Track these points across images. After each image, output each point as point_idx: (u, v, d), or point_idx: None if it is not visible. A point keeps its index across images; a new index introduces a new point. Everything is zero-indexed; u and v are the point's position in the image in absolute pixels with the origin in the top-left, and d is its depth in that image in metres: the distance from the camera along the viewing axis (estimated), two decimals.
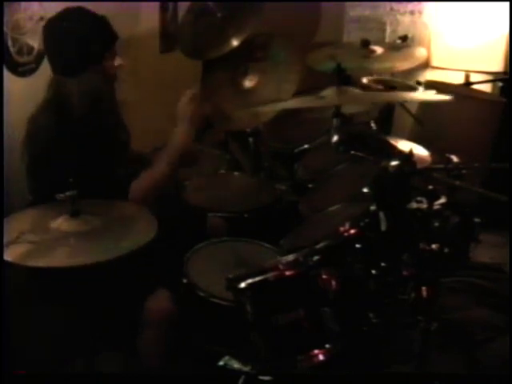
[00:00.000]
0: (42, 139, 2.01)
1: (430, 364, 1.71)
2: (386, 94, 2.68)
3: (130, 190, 2.03)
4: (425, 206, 1.69)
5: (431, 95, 2.10)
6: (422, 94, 2.39)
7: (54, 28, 2.06)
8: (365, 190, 1.79)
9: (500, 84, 3.59)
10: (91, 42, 2.03)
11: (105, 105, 2.10)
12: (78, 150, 1.98)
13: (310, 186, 2.48)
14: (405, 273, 1.71)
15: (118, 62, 2.11)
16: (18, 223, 1.76)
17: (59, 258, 1.64)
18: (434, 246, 1.66)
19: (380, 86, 3.07)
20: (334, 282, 1.69)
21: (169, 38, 3.15)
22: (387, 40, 3.84)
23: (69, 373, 2.05)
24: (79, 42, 2.02)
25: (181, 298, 2.01)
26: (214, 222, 2.39)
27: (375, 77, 3.19)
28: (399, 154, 1.79)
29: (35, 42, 2.36)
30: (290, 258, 1.72)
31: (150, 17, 3.04)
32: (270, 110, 2.54)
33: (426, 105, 3.04)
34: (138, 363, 2.03)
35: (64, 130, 2.00)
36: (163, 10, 3.11)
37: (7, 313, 2.00)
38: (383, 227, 1.72)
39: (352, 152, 2.01)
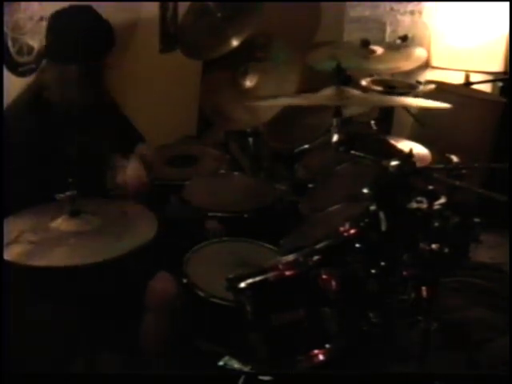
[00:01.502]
0: (23, 126, 2.05)
1: (430, 364, 1.71)
2: (386, 98, 2.68)
3: None
4: (425, 205, 1.69)
5: (430, 102, 2.10)
6: (421, 101, 2.39)
7: (62, 17, 2.11)
8: (365, 190, 1.79)
9: (500, 84, 3.59)
10: (97, 39, 2.09)
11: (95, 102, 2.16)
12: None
13: (310, 185, 2.48)
14: (405, 273, 1.70)
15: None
16: (18, 223, 1.76)
17: (59, 258, 1.64)
18: (434, 246, 1.66)
19: (379, 87, 3.07)
20: (333, 282, 1.69)
21: (169, 37, 3.15)
22: (387, 40, 3.84)
23: (69, 373, 2.05)
24: (87, 36, 2.07)
25: (180, 298, 2.02)
26: (212, 225, 2.39)
27: (375, 77, 3.19)
28: (399, 154, 1.79)
29: (35, 42, 2.36)
30: (290, 258, 1.72)
31: (149, 17, 3.04)
32: (268, 105, 2.54)
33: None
34: (138, 363, 2.04)
35: (47, 120, 2.05)
36: (163, 9, 3.11)
37: (7, 313, 2.00)
38: (383, 227, 1.72)
39: (352, 152, 2.01)
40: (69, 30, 2.08)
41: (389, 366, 1.86)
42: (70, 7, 2.12)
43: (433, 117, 2.86)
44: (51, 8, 2.37)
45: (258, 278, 1.69)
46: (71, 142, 2.10)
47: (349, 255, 1.75)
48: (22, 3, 2.28)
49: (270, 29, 3.03)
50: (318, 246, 1.73)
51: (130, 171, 2.21)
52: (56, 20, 2.12)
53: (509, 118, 3.09)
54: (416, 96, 2.99)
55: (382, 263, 1.73)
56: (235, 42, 2.82)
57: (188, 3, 3.10)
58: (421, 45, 3.53)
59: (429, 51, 3.60)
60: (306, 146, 2.78)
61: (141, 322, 2.01)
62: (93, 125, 2.18)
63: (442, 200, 1.69)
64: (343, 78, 2.15)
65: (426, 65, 3.65)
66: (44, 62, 2.17)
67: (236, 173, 2.74)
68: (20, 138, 2.02)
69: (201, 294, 1.93)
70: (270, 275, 1.69)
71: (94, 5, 2.22)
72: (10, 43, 2.26)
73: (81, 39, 2.07)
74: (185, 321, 2.01)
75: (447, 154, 1.79)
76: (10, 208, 1.83)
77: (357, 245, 1.74)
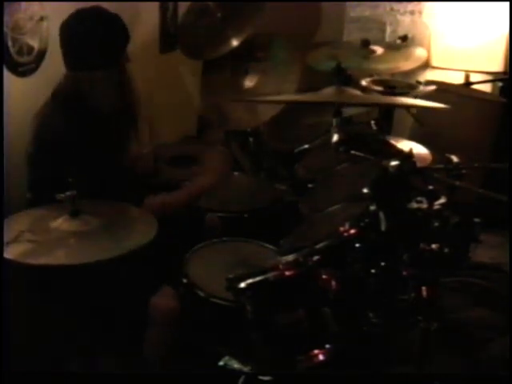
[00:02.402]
0: (55, 133, 2.03)
1: (430, 364, 1.71)
2: (385, 98, 2.68)
3: (143, 204, 2.09)
4: (425, 206, 1.69)
5: (429, 102, 2.10)
6: (421, 101, 2.39)
7: (74, 26, 2.07)
8: (365, 190, 1.79)
9: (500, 84, 3.59)
10: (114, 39, 2.07)
11: (125, 102, 2.16)
12: (91, 145, 2.02)
13: (310, 185, 2.48)
14: (405, 273, 1.70)
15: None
16: (18, 223, 1.76)
17: (59, 257, 1.64)
18: (433, 246, 1.65)
19: (379, 87, 3.07)
20: (333, 282, 1.69)
21: (169, 37, 3.15)
22: (387, 40, 3.84)
23: (68, 373, 2.05)
24: (104, 39, 2.05)
25: (181, 298, 2.02)
26: (211, 221, 2.39)
27: (375, 77, 3.19)
28: (399, 154, 1.79)
29: (35, 42, 2.36)
30: (290, 258, 1.72)
31: (149, 17, 3.04)
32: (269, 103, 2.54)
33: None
34: (138, 363, 2.04)
35: (80, 124, 2.03)
36: (163, 9, 3.11)
37: (7, 313, 2.00)
38: (383, 227, 1.72)
39: (352, 152, 2.01)
40: (91, 36, 2.03)
41: (389, 366, 1.86)
42: (79, 12, 2.07)
43: (433, 117, 2.86)
44: (51, 8, 2.37)
45: (258, 278, 1.69)
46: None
47: (349, 255, 1.75)
48: (22, 3, 2.28)
49: (270, 29, 3.03)
50: (318, 246, 1.73)
51: None
52: (72, 28, 2.06)
53: (509, 118, 3.09)
54: (416, 96, 3.00)
55: (382, 263, 1.73)
56: (235, 42, 2.82)
57: (188, 3, 3.10)
58: (421, 45, 3.54)
59: (429, 51, 3.61)
60: (306, 146, 2.78)
61: (144, 323, 2.01)
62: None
63: (442, 200, 1.69)
64: (343, 77, 2.16)
65: (426, 65, 3.65)
66: (66, 72, 2.12)
67: (236, 173, 2.74)
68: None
69: (201, 293, 1.93)
70: (270, 275, 1.69)
71: (94, 5, 2.22)
72: (10, 43, 2.26)
73: (106, 43, 2.04)
74: (185, 321, 2.01)
75: (447, 154, 1.79)
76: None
77: (357, 245, 1.74)
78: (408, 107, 2.80)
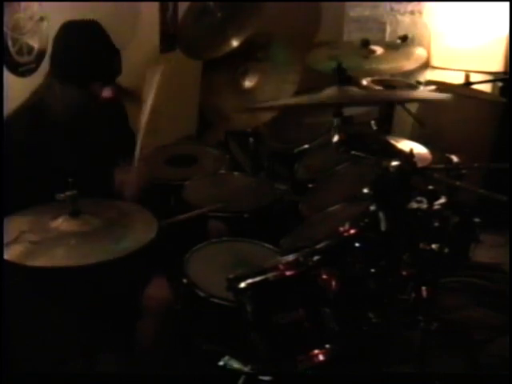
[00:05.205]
0: (17, 139, 2.02)
1: (430, 364, 1.71)
2: (388, 93, 2.68)
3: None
4: (425, 206, 1.69)
5: (431, 93, 2.10)
6: (422, 92, 2.39)
7: (72, 34, 2.08)
8: (365, 190, 1.79)
9: (500, 84, 3.59)
10: (108, 59, 2.07)
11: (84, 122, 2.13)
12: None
13: (310, 185, 2.48)
14: (405, 273, 1.71)
15: (105, 93, 2.08)
16: (18, 223, 1.75)
17: (58, 258, 1.64)
18: (433, 246, 1.66)
19: (380, 87, 3.07)
20: (333, 282, 1.69)
21: (169, 37, 3.15)
22: (387, 40, 3.84)
23: (69, 373, 2.05)
24: (90, 58, 2.04)
25: (181, 298, 2.02)
26: (214, 224, 2.39)
27: (375, 77, 3.19)
28: (399, 154, 1.80)
29: (35, 42, 2.36)
30: (290, 258, 1.72)
31: (149, 17, 3.04)
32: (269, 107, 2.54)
33: (426, 105, 3.04)
34: (138, 363, 2.04)
35: (40, 134, 2.03)
36: (163, 9, 3.11)
37: (7, 313, 2.00)
38: (383, 227, 1.72)
39: (352, 152, 2.01)
40: (75, 49, 2.03)
41: (389, 365, 1.86)
42: (79, 24, 2.08)
43: (433, 117, 2.86)
44: (51, 8, 2.38)
45: (257, 278, 1.69)
46: (72, 147, 2.09)
47: (349, 255, 1.75)
48: (22, 3, 2.28)
49: (269, 29, 3.03)
50: (318, 246, 1.73)
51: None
52: (63, 37, 2.08)
53: (509, 118, 3.09)
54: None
55: (382, 263, 1.73)
56: (235, 42, 2.82)
57: (188, 3, 3.10)
58: (421, 45, 3.53)
59: (429, 51, 3.61)
60: (306, 146, 2.78)
61: (139, 325, 2.01)
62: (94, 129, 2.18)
63: (442, 200, 1.69)
64: (344, 78, 2.16)
65: (426, 65, 3.65)
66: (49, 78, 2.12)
67: (236, 173, 2.74)
68: (19, 149, 2.00)
69: (201, 294, 1.93)
70: (270, 275, 1.69)
71: (95, 5, 2.22)
72: (10, 43, 2.26)
73: (85, 61, 2.02)
74: (185, 321, 2.01)
75: (447, 154, 1.79)
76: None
77: (357, 245, 1.74)
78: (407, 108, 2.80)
